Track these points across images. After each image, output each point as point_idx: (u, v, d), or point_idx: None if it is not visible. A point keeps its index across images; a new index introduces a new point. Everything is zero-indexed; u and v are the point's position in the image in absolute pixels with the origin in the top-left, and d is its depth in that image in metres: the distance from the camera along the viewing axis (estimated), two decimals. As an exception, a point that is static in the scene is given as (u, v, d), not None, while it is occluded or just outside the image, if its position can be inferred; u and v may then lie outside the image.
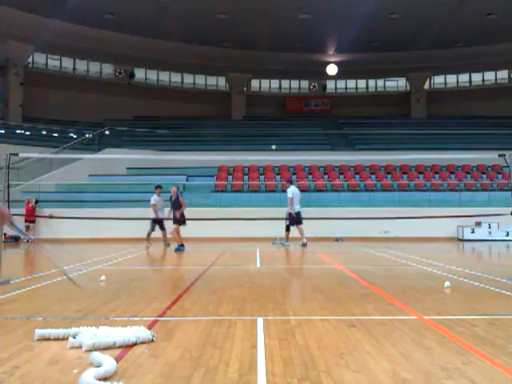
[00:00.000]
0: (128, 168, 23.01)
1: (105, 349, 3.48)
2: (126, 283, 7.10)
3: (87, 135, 25.01)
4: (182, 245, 12.82)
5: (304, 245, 14.09)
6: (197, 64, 30.02)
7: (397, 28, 25.27)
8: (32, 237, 17.99)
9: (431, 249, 14.57)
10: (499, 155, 8.04)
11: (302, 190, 20.15)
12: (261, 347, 3.57)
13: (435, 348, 3.55)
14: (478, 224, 18.56)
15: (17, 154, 8.04)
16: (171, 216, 13.04)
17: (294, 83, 33.89)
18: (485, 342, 3.72)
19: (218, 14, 23.93)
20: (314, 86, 33.59)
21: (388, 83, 33.59)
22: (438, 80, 33.10)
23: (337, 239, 17.82)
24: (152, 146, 24.39)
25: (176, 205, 12.89)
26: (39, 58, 28.71)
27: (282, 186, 16.93)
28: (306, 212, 14.74)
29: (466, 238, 18.48)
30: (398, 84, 33.44)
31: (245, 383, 2.87)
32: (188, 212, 13.08)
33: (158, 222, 13.57)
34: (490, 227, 18.40)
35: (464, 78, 32.67)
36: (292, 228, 14.47)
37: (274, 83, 33.77)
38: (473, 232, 18.56)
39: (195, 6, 23.01)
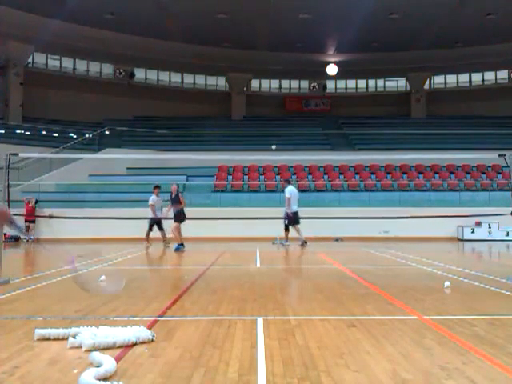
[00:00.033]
0: (128, 168, 23.02)
1: (105, 349, 3.48)
2: (126, 283, 7.09)
3: (87, 135, 25.01)
4: (182, 244, 12.82)
5: (303, 244, 14.11)
6: (197, 64, 30.02)
7: (397, 28, 25.27)
8: (32, 237, 18.01)
9: (431, 249, 14.57)
10: (499, 155, 8.04)
11: (301, 190, 20.26)
12: (261, 347, 3.57)
13: (435, 348, 3.55)
14: (478, 224, 18.56)
15: (17, 154, 8.04)
16: (170, 214, 13.04)
17: (294, 83, 33.89)
18: (485, 341, 3.72)
19: (217, 14, 23.93)
20: (314, 86, 33.60)
21: (388, 83, 33.60)
22: (438, 80, 33.10)
23: (337, 239, 17.82)
24: (152, 146, 24.39)
25: (176, 202, 12.93)
26: (39, 58, 28.71)
27: (282, 185, 16.93)
28: (306, 212, 14.75)
29: (465, 238, 18.49)
30: (398, 84, 33.44)
31: (245, 383, 2.87)
32: (188, 212, 13.09)
33: (156, 222, 13.56)
34: (490, 227, 18.41)
35: (464, 77, 32.67)
36: (292, 228, 14.48)
37: (274, 83, 33.78)
38: (473, 232, 18.57)
39: (195, 6, 23.02)
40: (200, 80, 32.81)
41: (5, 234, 12.69)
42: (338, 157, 24.28)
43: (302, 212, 14.47)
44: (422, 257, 10.92)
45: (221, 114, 31.57)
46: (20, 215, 16.04)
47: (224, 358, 3.31)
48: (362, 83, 33.76)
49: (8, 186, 7.50)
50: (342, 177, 22.74)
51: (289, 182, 15.09)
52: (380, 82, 33.60)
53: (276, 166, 23.50)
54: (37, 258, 13.00)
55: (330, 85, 33.62)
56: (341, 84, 33.79)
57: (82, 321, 4.37)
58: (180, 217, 12.88)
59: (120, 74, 30.82)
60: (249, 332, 4.05)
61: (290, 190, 14.44)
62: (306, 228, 14.92)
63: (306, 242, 14.30)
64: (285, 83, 33.81)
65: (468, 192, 20.94)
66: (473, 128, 26.64)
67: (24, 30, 24.34)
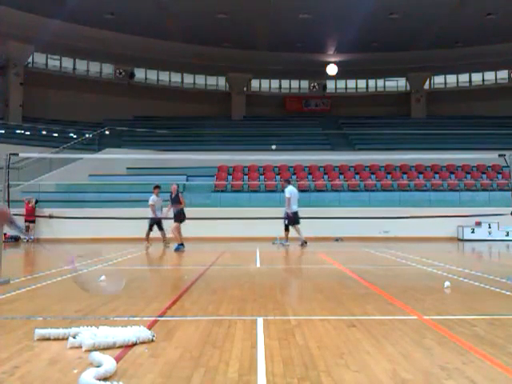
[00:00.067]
0: (128, 168, 23.02)
1: (105, 349, 3.48)
2: (126, 283, 7.09)
3: (87, 135, 25.01)
4: (182, 244, 12.82)
5: (303, 244, 14.12)
6: (197, 64, 30.02)
7: (397, 28, 25.28)
8: (32, 237, 18.01)
9: (431, 249, 14.57)
10: (499, 155, 8.04)
11: (302, 190, 20.25)
12: (261, 347, 3.57)
13: (435, 348, 3.55)
14: (478, 224, 18.56)
15: (17, 154, 8.04)
16: (170, 214, 13.04)
17: (294, 83, 33.90)
18: (485, 341, 3.72)
19: (217, 14, 23.93)
20: (314, 86, 33.60)
21: (388, 83, 33.60)
22: (438, 80, 33.11)
23: (337, 239, 17.82)
24: (152, 146, 24.40)
25: (176, 202, 12.93)
26: (39, 58, 28.71)
27: (282, 185, 16.95)
28: (306, 212, 14.75)
29: (466, 238, 18.49)
30: (398, 84, 33.44)
31: (245, 383, 2.87)
32: (188, 212, 13.10)
33: (156, 222, 13.56)
34: (490, 227, 18.41)
35: (464, 77, 32.67)
36: (292, 228, 14.48)
37: (274, 83, 33.78)
38: (473, 232, 18.57)
39: (195, 6, 23.02)
40: (200, 80, 32.81)
41: (5, 234, 12.70)
42: (338, 157, 24.29)
43: (302, 212, 14.47)
44: (421, 257, 10.93)
45: (221, 114, 31.58)
46: (20, 215, 16.04)
47: (224, 358, 3.31)
48: (362, 83, 33.76)
49: (8, 186, 7.50)
50: (342, 177, 22.74)
51: (289, 182, 15.10)
52: (380, 82, 33.60)
53: (276, 166, 23.50)
54: (37, 258, 13.00)
55: (330, 85, 33.62)
56: (341, 84, 33.80)
57: (82, 321, 4.37)
58: (180, 217, 12.88)
59: (120, 73, 30.83)
60: (249, 332, 4.05)
61: (290, 190, 14.45)
62: (306, 228, 14.91)
63: (305, 242, 14.30)
64: (285, 83, 33.81)
65: (468, 192, 20.94)
66: (473, 128, 26.65)
67: (24, 30, 24.34)
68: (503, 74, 32.10)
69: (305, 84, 33.90)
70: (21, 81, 26.69)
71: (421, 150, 22.86)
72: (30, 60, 28.06)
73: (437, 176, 22.86)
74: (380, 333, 3.99)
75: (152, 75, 31.89)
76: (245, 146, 23.53)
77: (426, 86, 32.84)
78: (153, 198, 13.68)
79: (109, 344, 3.55)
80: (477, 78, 32.47)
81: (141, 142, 25.24)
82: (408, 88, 32.84)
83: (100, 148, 24.19)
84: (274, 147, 22.59)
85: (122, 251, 12.67)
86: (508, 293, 5.97)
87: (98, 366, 3.02)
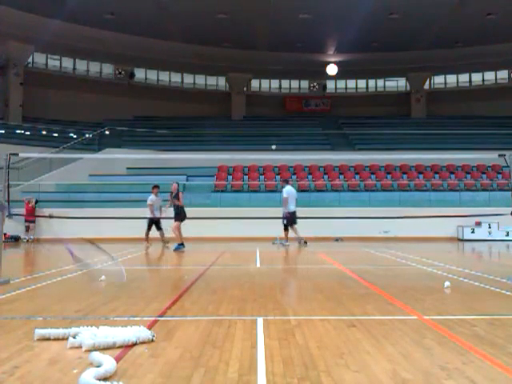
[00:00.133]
0: (128, 168, 23.02)
1: (105, 349, 3.48)
2: (126, 283, 7.09)
3: (87, 135, 25.02)
4: (183, 244, 12.81)
5: (300, 242, 14.16)
6: (197, 64, 30.03)
7: (397, 28, 25.28)
8: (32, 237, 18.02)
9: (431, 249, 14.56)
10: (499, 155, 8.04)
11: (302, 190, 20.28)
12: (261, 347, 3.57)
13: (435, 348, 3.55)
14: (478, 224, 18.56)
15: (17, 154, 8.04)
16: (169, 213, 13.04)
17: (294, 83, 33.90)
18: (485, 341, 3.72)
19: (217, 14, 23.94)
20: (314, 86, 33.61)
21: (388, 83, 33.61)
22: (438, 80, 33.11)
23: (337, 239, 17.82)
24: (152, 146, 24.40)
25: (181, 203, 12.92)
26: (39, 58, 28.72)
27: (282, 185, 16.95)
28: (306, 212, 14.75)
29: (466, 238, 18.49)
30: (398, 84, 33.45)
31: (245, 383, 2.87)
32: (188, 212, 13.09)
33: (154, 222, 13.55)
34: (490, 227, 18.41)
35: (464, 77, 32.68)
36: (289, 228, 14.50)
37: (274, 83, 33.79)
38: (473, 232, 18.57)
39: (195, 6, 23.02)
40: (200, 80, 32.82)
41: (5, 234, 12.69)
42: (338, 157, 24.29)
43: (303, 212, 14.47)
44: (422, 257, 10.92)
45: (221, 114, 31.58)
46: (20, 215, 16.04)
47: (224, 358, 3.31)
48: (361, 83, 33.77)
49: (8, 186, 7.50)
50: (341, 177, 22.74)
51: (287, 182, 15.13)
52: (380, 82, 33.61)
53: (276, 166, 23.50)
54: (37, 257, 13.00)
55: (330, 85, 33.63)
56: (341, 84, 33.81)
57: (82, 321, 4.37)
58: (180, 216, 12.87)
59: (120, 73, 30.83)
60: (249, 332, 4.05)
61: (288, 190, 14.47)
62: (306, 228, 14.92)
63: (305, 242, 14.31)
64: (285, 83, 33.82)
65: (468, 192, 20.94)
66: (473, 128, 26.65)
67: (24, 30, 24.35)
68: (503, 74, 32.10)
69: (305, 84, 33.91)
70: (21, 81, 26.70)
71: (421, 150, 22.87)
72: (30, 60, 28.06)
73: (437, 176, 22.86)
74: (380, 333, 3.99)
75: (152, 75, 31.90)
76: (245, 146, 23.53)
77: (426, 86, 32.85)
78: (151, 198, 13.66)
79: (109, 344, 3.55)
80: (477, 77, 32.48)
81: (141, 142, 25.25)
82: (408, 88, 32.85)
83: (100, 148, 24.19)
84: (273, 147, 22.59)
85: (122, 251, 12.67)
86: (508, 293, 5.97)
87: (98, 366, 3.02)
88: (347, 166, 23.49)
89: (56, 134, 25.32)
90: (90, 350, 3.41)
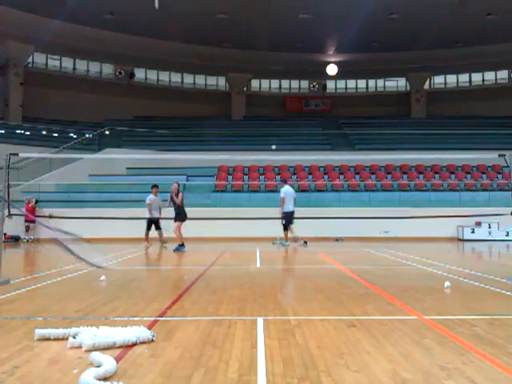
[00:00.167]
0: (128, 168, 23.02)
1: (105, 349, 3.49)
2: (126, 283, 7.10)
3: (87, 135, 25.01)
4: (183, 244, 12.81)
5: (296, 242, 14.17)
6: (197, 64, 30.03)
7: (397, 28, 25.28)
8: (32, 237, 18.02)
9: (431, 249, 14.57)
10: (499, 155, 8.04)
11: (302, 190, 20.29)
12: (261, 347, 3.57)
13: (435, 348, 3.55)
14: (478, 224, 18.56)
15: (17, 154, 8.04)
16: (167, 213, 13.02)
17: (294, 83, 33.90)
18: (485, 341, 3.72)
19: (218, 14, 23.94)
20: (314, 86, 33.60)
21: (388, 83, 33.60)
22: (438, 80, 33.11)
23: (337, 239, 17.82)
24: (152, 146, 24.40)
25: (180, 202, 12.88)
26: (39, 58, 28.71)
27: (281, 185, 16.96)
28: (306, 212, 14.74)
29: (466, 238, 18.49)
30: (397, 84, 33.45)
31: (245, 383, 2.87)
32: (188, 212, 13.08)
33: (153, 221, 13.55)
34: (490, 227, 18.41)
35: (464, 77, 32.68)
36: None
37: (274, 83, 33.79)
38: (473, 232, 18.57)
39: (195, 6, 23.02)
40: (200, 80, 32.82)
41: (5, 234, 12.69)
42: (338, 157, 24.29)
43: (302, 212, 14.47)
44: (422, 257, 10.93)
45: (221, 114, 31.58)
46: (20, 215, 16.03)
47: (224, 358, 3.31)
48: (362, 83, 33.76)
49: (8, 186, 7.51)
50: (341, 177, 22.74)
51: (285, 182, 15.14)
52: (380, 82, 33.61)
53: (276, 166, 23.50)
54: (37, 257, 13.00)
55: (330, 85, 33.62)
56: (341, 84, 33.80)
57: (82, 321, 4.37)
58: (181, 216, 12.86)
59: (120, 73, 30.82)
60: (249, 332, 4.05)
61: (285, 190, 14.48)
62: (306, 228, 14.92)
63: (305, 242, 14.31)
64: (285, 83, 33.81)
65: (468, 192, 20.94)
66: (473, 128, 26.65)
67: (24, 30, 24.34)
68: (503, 74, 32.10)
69: (305, 84, 33.90)
70: (21, 81, 26.69)
71: (421, 149, 22.87)
72: (30, 60, 28.06)
73: (437, 176, 22.86)
74: (380, 333, 4.00)
75: (152, 75, 31.89)
76: (245, 145, 23.54)
77: (426, 86, 32.85)
78: (150, 198, 13.64)
79: (109, 344, 3.55)
80: (477, 77, 32.47)
81: (141, 142, 25.25)
82: (408, 88, 32.84)
83: (100, 148, 24.18)
84: (273, 147, 22.59)
85: (122, 251, 12.67)
86: (508, 293, 5.97)
87: (98, 366, 3.02)
88: (347, 166, 23.49)
89: (56, 134, 25.32)
90: (89, 350, 3.42)
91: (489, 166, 23.21)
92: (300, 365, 3.18)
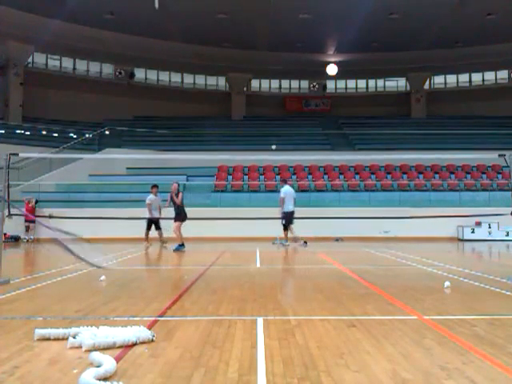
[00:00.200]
0: (128, 168, 23.02)
1: (105, 349, 3.49)
2: (126, 283, 7.10)
3: (87, 135, 25.01)
4: (183, 244, 12.81)
5: (296, 242, 14.18)
6: (197, 64, 30.03)
7: (397, 28, 25.28)
8: (32, 237, 18.01)
9: (431, 249, 14.57)
10: (499, 155, 8.04)
11: (302, 190, 20.29)
12: (261, 347, 3.57)
13: (435, 348, 3.55)
14: (478, 224, 18.56)
15: (17, 154, 8.04)
16: (167, 213, 13.02)
17: (294, 83, 33.90)
18: (485, 341, 3.72)
19: (217, 14, 23.94)
20: (314, 86, 33.60)
21: (388, 83, 33.60)
22: (438, 80, 33.11)
23: (337, 239, 17.82)
24: (152, 146, 24.40)
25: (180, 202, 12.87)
26: (39, 58, 28.71)
27: (281, 185, 16.97)
28: (306, 212, 14.74)
29: (466, 238, 18.49)
30: (398, 84, 33.45)
31: (245, 383, 2.87)
32: (188, 212, 13.07)
33: (153, 221, 13.55)
34: (490, 227, 18.41)
35: (464, 77, 32.68)
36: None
37: (274, 83, 33.79)
38: (473, 232, 18.57)
39: (195, 6, 23.02)
40: (200, 80, 32.82)
41: (5, 234, 12.70)
42: (338, 157, 24.29)
43: (302, 212, 14.47)
44: (422, 257, 10.93)
45: (221, 114, 31.58)
46: (20, 215, 16.03)
47: (224, 358, 3.31)
48: (362, 83, 33.77)
49: (8, 186, 7.51)
50: (341, 177, 22.74)
51: (285, 182, 15.15)
52: (380, 82, 33.61)
53: (276, 166, 23.50)
54: (37, 257, 13.00)
55: (330, 85, 33.62)
56: (341, 84, 33.80)
57: (82, 321, 4.37)
58: (181, 216, 12.85)
59: (120, 73, 30.83)
60: (249, 332, 4.05)
61: (285, 190, 14.49)
62: (306, 228, 14.92)
63: (305, 242, 14.31)
64: (285, 83, 33.81)
65: (468, 192, 20.94)
66: (473, 128, 26.65)
67: (24, 30, 24.34)
68: (503, 74, 32.10)
69: (305, 84, 33.90)
70: (21, 81, 26.69)
71: (421, 149, 22.87)
72: (30, 60, 28.05)
73: (437, 176, 22.86)
74: (380, 333, 4.00)
75: (152, 75, 31.89)
76: (245, 145, 23.54)
77: (426, 86, 32.85)
78: (150, 198, 13.64)
79: (109, 344, 3.55)
80: (477, 77, 32.47)
81: (141, 142, 25.25)
82: (408, 88, 32.84)
83: (100, 148, 24.18)
84: (273, 147, 22.59)
85: (122, 251, 12.67)
86: (508, 293, 5.97)
87: (98, 366, 3.02)
88: (347, 166, 23.49)
89: (56, 134, 25.32)
90: (90, 350, 3.42)
91: (489, 166, 23.21)
92: (300, 365, 3.18)
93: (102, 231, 17.24)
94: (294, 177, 22.53)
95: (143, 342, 3.67)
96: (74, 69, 29.88)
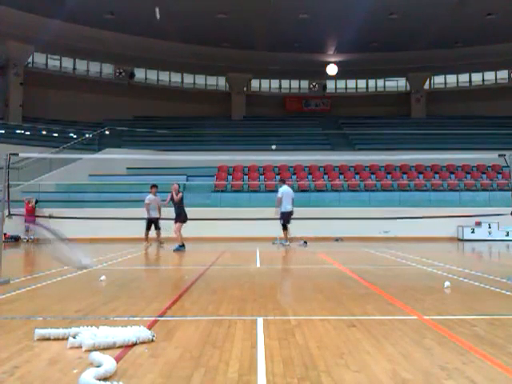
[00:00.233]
0: (128, 168, 23.02)
1: (105, 349, 3.49)
2: (125, 283, 7.10)
3: (87, 135, 25.01)
4: (183, 245, 12.80)
5: (292, 241, 14.19)
6: (197, 64, 30.04)
7: (396, 28, 25.28)
8: (32, 237, 18.01)
9: (431, 249, 14.57)
10: (499, 155, 8.04)
11: (302, 190, 20.29)
12: (261, 347, 3.57)
13: (435, 348, 3.55)
14: (478, 224, 18.56)
15: (17, 154, 8.04)
16: (166, 214, 13.03)
17: (294, 83, 33.91)
18: (485, 341, 3.72)
19: (217, 14, 23.94)
20: (314, 86, 33.61)
21: (388, 83, 33.61)
22: (438, 80, 33.12)
23: (337, 239, 17.82)
24: (152, 146, 24.39)
25: (177, 199, 12.84)
26: (39, 58, 28.72)
27: (279, 185, 16.97)
28: (306, 212, 14.74)
29: (466, 238, 18.49)
30: (397, 84, 33.46)
31: (245, 383, 2.87)
32: (188, 212, 13.07)
33: (153, 221, 13.55)
34: (490, 227, 18.41)
35: (464, 77, 32.68)
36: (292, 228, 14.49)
37: (274, 83, 33.79)
38: (473, 232, 18.57)
39: (195, 6, 23.02)
40: (200, 80, 32.82)
41: (5, 234, 12.70)
42: (338, 157, 24.29)
43: (302, 212, 14.47)
44: (422, 257, 10.93)
45: (221, 114, 31.58)
46: (20, 215, 16.04)
47: (224, 358, 3.31)
48: (361, 83, 33.77)
49: (8, 186, 7.50)
50: (341, 177, 22.74)
51: (284, 182, 15.14)
52: (380, 82, 33.61)
53: (276, 166, 23.50)
54: (37, 257, 13.00)
55: (330, 85, 33.63)
56: (341, 84, 33.81)
57: (82, 321, 4.37)
58: (181, 216, 12.84)
59: (120, 73, 30.83)
60: (249, 332, 4.05)
61: (283, 190, 14.49)
62: (306, 228, 14.92)
63: (305, 242, 14.30)
64: (285, 83, 33.82)
65: (468, 192, 20.94)
66: (473, 128, 26.65)
67: (24, 30, 24.34)
68: (503, 74, 32.10)
69: (305, 84, 33.90)
70: (21, 81, 26.70)
71: (421, 149, 22.86)
72: (30, 60, 28.06)
73: (437, 176, 22.86)
74: (380, 333, 3.99)
75: (152, 75, 31.90)
76: (245, 145, 23.54)
77: (426, 86, 32.85)
78: (149, 197, 13.64)
79: (109, 344, 3.55)
80: (477, 77, 32.48)
81: (141, 142, 25.25)
82: (408, 88, 32.85)
83: (100, 148, 24.18)
84: (273, 147, 22.59)
85: (122, 251, 12.67)
86: (508, 293, 5.97)
87: (98, 366, 3.02)
88: (347, 166, 23.49)
89: (56, 134, 25.32)
90: (90, 350, 3.42)
91: (489, 166, 23.21)
92: (300, 365, 3.18)
93: (102, 231, 17.24)
94: (294, 177, 22.53)
95: (143, 342, 3.67)
96: (74, 69, 29.89)
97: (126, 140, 25.62)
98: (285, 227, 14.46)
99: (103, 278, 7.09)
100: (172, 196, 12.84)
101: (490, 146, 22.69)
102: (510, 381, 2.93)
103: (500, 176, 22.04)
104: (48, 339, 3.77)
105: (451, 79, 32.93)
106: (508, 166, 7.57)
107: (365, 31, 24.89)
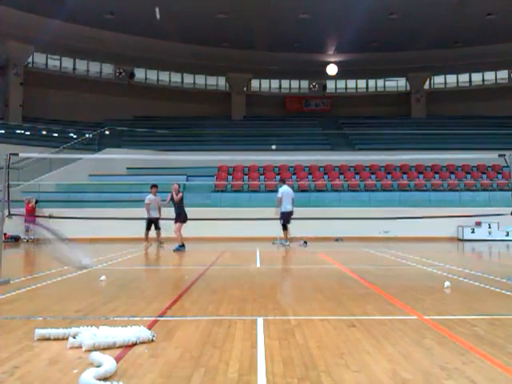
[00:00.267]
0: (128, 168, 23.02)
1: (105, 349, 3.49)
2: (125, 283, 7.10)
3: (87, 135, 25.01)
4: (183, 245, 12.80)
5: (292, 241, 14.19)
6: (197, 64, 30.04)
7: (396, 28, 25.28)
8: (32, 237, 18.01)
9: (431, 249, 14.57)
10: (499, 155, 8.04)
11: (302, 190, 20.29)
12: (261, 347, 3.57)
13: (435, 348, 3.55)
14: (478, 224, 18.56)
15: (17, 154, 8.04)
16: (166, 214, 13.04)
17: (294, 83, 33.91)
18: (485, 341, 3.72)
19: (217, 14, 23.94)
20: (314, 86, 33.61)
21: (388, 83, 33.61)
22: (438, 80, 33.12)
23: (337, 239, 17.82)
24: (152, 146, 24.39)
25: (177, 200, 12.83)
26: (39, 58, 28.72)
27: (279, 185, 16.97)
28: (306, 212, 14.73)
29: (466, 238, 18.49)
30: (397, 84, 33.46)
31: (245, 383, 2.87)
32: (188, 212, 13.07)
33: (153, 221, 13.55)
34: (490, 227, 18.41)
35: (464, 77, 32.68)
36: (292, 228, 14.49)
37: (274, 83, 33.79)
38: (473, 232, 18.57)
39: (195, 6, 23.02)
40: (200, 80, 32.83)
41: (5, 234, 12.69)
42: (338, 157, 24.29)
43: (302, 212, 14.46)
44: (422, 257, 10.93)
45: (221, 114, 31.58)
46: (20, 215, 16.04)
47: (224, 358, 3.31)
48: (361, 83, 33.77)
49: (8, 186, 7.50)
50: (341, 177, 22.74)
51: (284, 182, 15.15)
52: (380, 82, 33.62)
53: (276, 166, 23.50)
54: (37, 258, 13.00)
55: (330, 85, 33.63)
56: (341, 84, 33.81)
57: (82, 321, 4.37)
58: (181, 216, 12.84)
59: (120, 74, 30.84)
60: (249, 332, 4.05)
61: (283, 190, 14.49)
62: (306, 228, 14.91)
63: (305, 242, 14.30)
64: (285, 83, 33.82)
65: (468, 192, 20.94)
66: (473, 128, 26.65)
67: (24, 30, 24.34)
68: (503, 74, 32.10)
69: (305, 84, 33.91)
70: (21, 81, 26.70)
71: (421, 150, 22.86)
72: (30, 60, 28.06)
73: (437, 176, 22.86)
74: (380, 333, 3.99)
75: (152, 75, 31.90)
76: (245, 145, 23.54)
77: (426, 86, 32.85)
78: (149, 197, 13.64)
79: (109, 344, 3.55)
80: (477, 77, 32.48)
81: (141, 142, 25.25)
82: (408, 88, 32.85)
83: (100, 148, 24.18)
84: (273, 147, 22.59)
85: (122, 251, 12.67)
86: (508, 293, 5.97)
87: (98, 366, 3.02)
88: (347, 166, 23.49)
89: (56, 134, 25.32)
90: (90, 350, 3.42)
91: (489, 166, 23.21)
92: (300, 365, 3.18)
93: (102, 231, 17.24)
94: (294, 177, 22.52)
95: (143, 342, 3.67)
96: (74, 69, 29.89)
97: (125, 140, 25.62)
98: (285, 227, 14.46)
99: (103, 277, 7.09)
100: (172, 196, 12.84)
101: (489, 145, 22.69)
102: (510, 381, 2.93)
103: (500, 176, 22.04)
104: (48, 339, 3.76)
105: (451, 79, 32.93)
106: (508, 166, 7.56)
107: (365, 31, 24.89)
